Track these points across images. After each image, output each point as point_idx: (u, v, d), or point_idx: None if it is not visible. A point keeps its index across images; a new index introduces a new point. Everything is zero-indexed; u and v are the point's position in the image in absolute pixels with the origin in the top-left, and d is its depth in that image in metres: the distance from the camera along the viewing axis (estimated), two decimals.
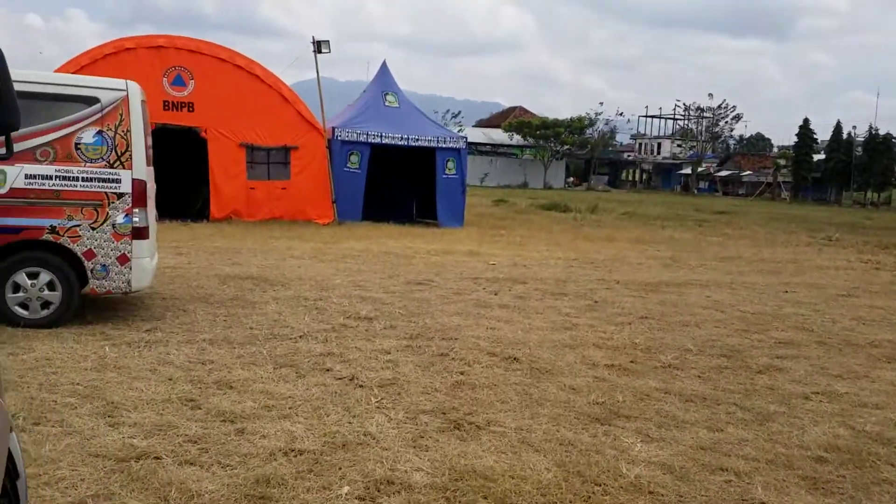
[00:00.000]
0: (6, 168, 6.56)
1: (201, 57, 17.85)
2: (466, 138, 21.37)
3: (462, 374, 6.12)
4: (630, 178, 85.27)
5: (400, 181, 22.14)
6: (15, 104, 2.65)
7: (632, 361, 6.76)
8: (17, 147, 6.60)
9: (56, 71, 16.23)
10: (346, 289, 9.70)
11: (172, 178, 20.08)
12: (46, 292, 6.80)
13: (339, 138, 19.16)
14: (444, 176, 20.39)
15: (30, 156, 6.64)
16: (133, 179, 6.96)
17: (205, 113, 17.70)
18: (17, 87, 6.74)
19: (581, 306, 9.45)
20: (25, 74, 6.74)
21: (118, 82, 7.11)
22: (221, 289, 9.20)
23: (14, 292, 6.72)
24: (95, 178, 6.83)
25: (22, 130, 6.61)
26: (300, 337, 7.00)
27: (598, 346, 7.31)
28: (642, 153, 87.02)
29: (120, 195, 6.92)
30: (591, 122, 72.26)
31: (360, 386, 5.65)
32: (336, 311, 8.28)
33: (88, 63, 16.91)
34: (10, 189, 6.59)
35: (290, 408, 5.06)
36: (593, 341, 7.51)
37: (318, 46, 19.81)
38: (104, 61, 17.08)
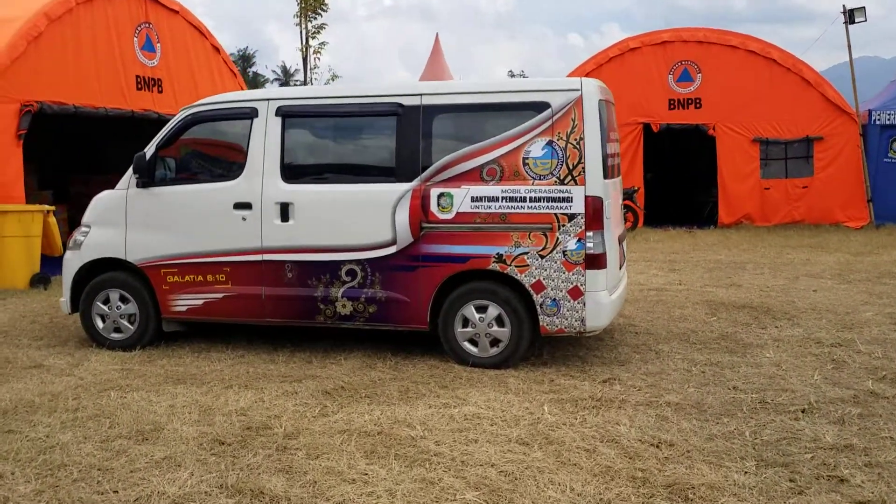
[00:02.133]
0: (452, 191, 5.93)
1: (709, 47, 16.53)
2: None
3: None
4: None
5: None
6: None
7: None
8: (464, 167, 5.97)
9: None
10: (881, 328, 7.10)
11: (679, 182, 19.03)
12: (495, 328, 5.99)
13: (876, 122, 15.73)
14: None
15: (476, 175, 5.91)
16: (586, 197, 5.74)
17: (713, 108, 16.31)
18: (458, 99, 6.12)
19: None
20: (466, 85, 6.06)
21: (572, 81, 5.96)
22: (708, 322, 7.48)
23: (463, 327, 6.07)
24: (544, 198, 5.79)
25: (469, 148, 5.95)
26: (803, 411, 4.94)
27: None
28: None
29: (571, 216, 5.77)
30: None
31: None
32: (862, 365, 5.91)
33: (594, 68, 16.82)
34: (457, 214, 5.94)
35: None
36: None
37: (850, 16, 16.55)
38: (609, 64, 16.89)
